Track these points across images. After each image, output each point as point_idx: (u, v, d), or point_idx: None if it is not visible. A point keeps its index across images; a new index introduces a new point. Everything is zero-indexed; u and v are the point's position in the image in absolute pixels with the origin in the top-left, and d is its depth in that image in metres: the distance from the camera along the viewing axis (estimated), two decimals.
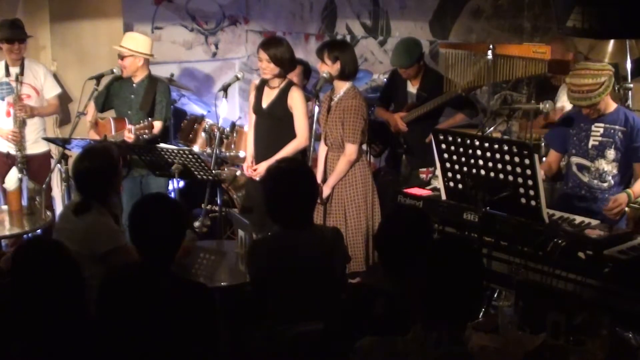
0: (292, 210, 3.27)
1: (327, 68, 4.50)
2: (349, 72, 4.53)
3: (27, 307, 2.56)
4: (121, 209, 4.90)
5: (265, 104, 4.78)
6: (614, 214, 3.80)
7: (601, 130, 3.97)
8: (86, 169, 3.54)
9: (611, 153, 3.95)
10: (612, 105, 3.97)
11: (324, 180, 4.63)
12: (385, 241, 2.99)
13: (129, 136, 4.79)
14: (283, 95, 4.70)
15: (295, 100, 4.66)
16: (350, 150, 4.48)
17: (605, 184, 4.00)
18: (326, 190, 4.53)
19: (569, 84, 3.91)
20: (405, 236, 2.90)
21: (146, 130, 4.81)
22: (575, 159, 4.07)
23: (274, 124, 4.74)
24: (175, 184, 5.02)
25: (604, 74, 3.81)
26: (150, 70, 5.21)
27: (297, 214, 3.29)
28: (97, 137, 5.08)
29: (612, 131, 3.94)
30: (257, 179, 4.73)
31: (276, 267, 3.22)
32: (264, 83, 4.81)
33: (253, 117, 4.90)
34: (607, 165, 3.97)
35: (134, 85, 5.14)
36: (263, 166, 4.67)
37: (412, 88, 5.41)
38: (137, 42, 5.10)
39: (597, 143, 3.98)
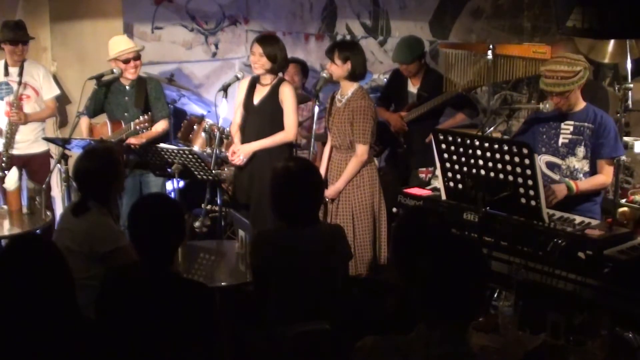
0: (299, 209, 3.28)
1: (336, 68, 4.49)
2: (358, 73, 4.53)
3: (11, 307, 2.40)
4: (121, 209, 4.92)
5: (256, 100, 4.79)
6: (547, 202, 3.67)
7: (571, 128, 3.95)
8: (87, 169, 3.53)
9: (581, 150, 3.92)
10: (582, 103, 3.95)
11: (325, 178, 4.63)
12: (403, 241, 2.95)
13: (134, 144, 4.84)
14: (274, 91, 4.72)
15: (286, 94, 4.68)
16: (362, 151, 4.47)
17: None
18: (334, 192, 4.52)
19: (543, 70, 3.87)
20: (424, 238, 2.84)
21: (146, 124, 4.82)
22: (545, 157, 4.02)
23: (264, 120, 4.75)
24: (175, 184, 5.02)
25: (580, 64, 3.80)
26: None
27: (304, 212, 3.30)
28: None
29: (581, 128, 3.92)
30: (239, 164, 4.76)
31: (279, 263, 3.22)
32: (255, 80, 4.82)
33: (239, 113, 4.90)
34: (578, 163, 3.93)
35: (127, 87, 5.15)
36: (244, 149, 4.70)
37: (413, 88, 5.41)
38: (128, 41, 5.18)
39: (566, 141, 3.96)
